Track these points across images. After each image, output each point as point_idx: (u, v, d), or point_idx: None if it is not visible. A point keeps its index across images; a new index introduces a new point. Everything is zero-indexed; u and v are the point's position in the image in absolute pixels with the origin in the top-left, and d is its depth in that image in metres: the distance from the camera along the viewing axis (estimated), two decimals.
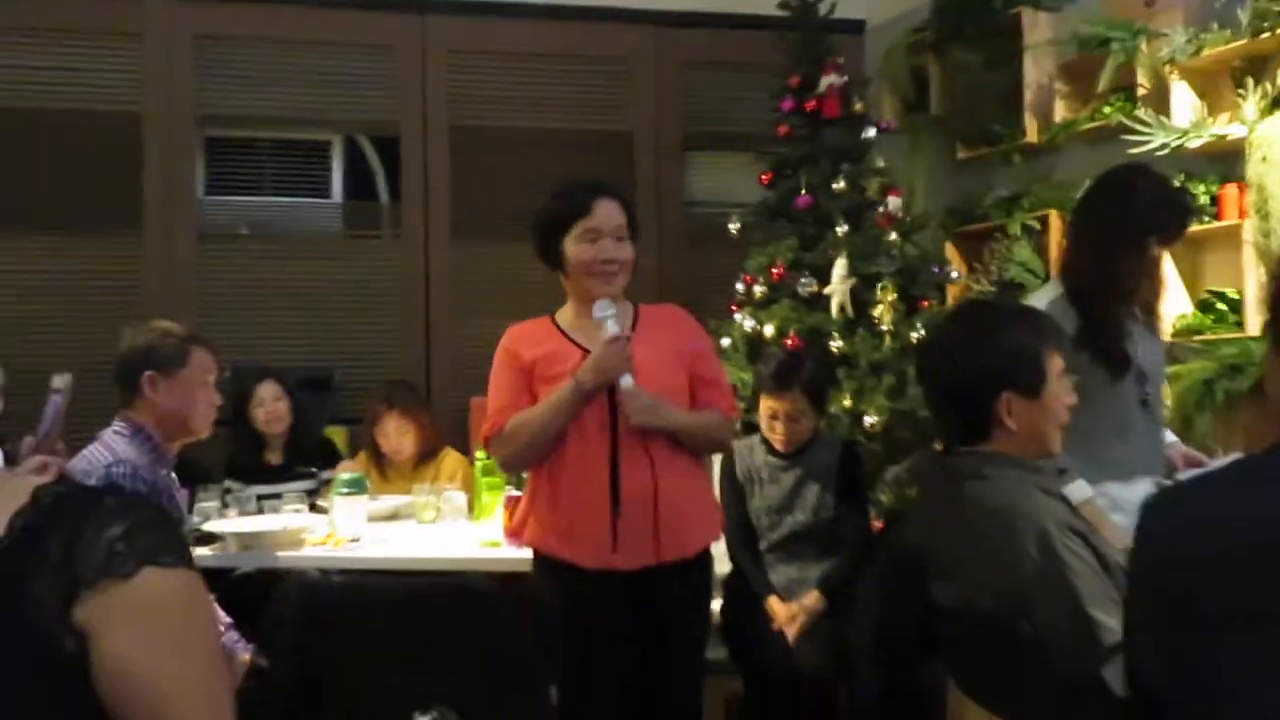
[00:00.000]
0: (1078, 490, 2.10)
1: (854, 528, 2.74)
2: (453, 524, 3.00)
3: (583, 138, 4.76)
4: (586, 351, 2.08)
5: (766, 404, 2.71)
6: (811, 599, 2.64)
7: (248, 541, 2.73)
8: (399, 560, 2.62)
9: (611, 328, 2.04)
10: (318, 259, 4.60)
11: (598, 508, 2.02)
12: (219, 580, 2.65)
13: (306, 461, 3.46)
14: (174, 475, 2.26)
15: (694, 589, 2.16)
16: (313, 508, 3.11)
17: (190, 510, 3.03)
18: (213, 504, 3.06)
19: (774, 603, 2.66)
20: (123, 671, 0.79)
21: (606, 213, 2.10)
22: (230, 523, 2.90)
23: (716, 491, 2.79)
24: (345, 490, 2.84)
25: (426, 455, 3.46)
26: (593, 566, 2.03)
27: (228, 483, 3.32)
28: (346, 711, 1.88)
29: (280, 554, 2.65)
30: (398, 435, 3.43)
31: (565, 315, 2.20)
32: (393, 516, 3.16)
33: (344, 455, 3.77)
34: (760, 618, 2.66)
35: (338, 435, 4.08)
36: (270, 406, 3.44)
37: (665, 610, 2.09)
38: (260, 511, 3.07)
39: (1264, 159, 3.27)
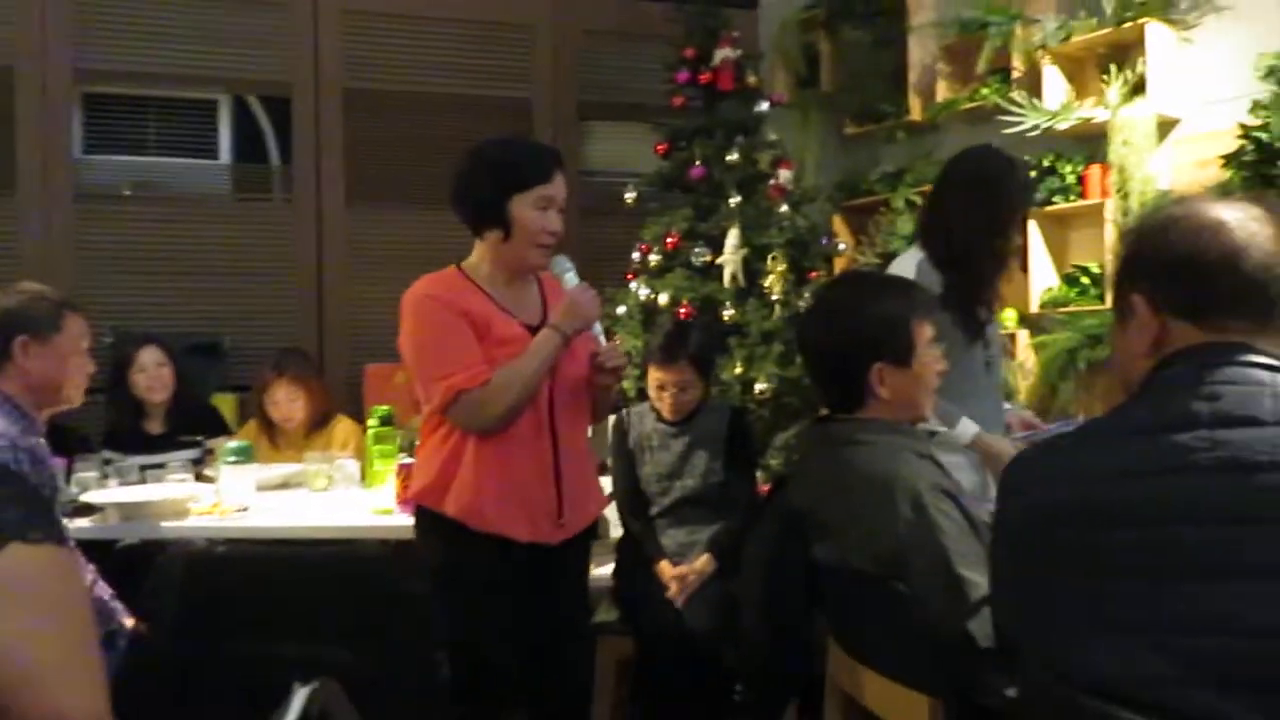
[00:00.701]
0: (965, 428, 2.29)
1: (742, 492, 2.82)
2: (345, 492, 2.98)
3: (481, 103, 4.73)
4: (521, 320, 2.04)
5: (654, 374, 2.77)
6: (702, 561, 2.72)
7: (129, 512, 2.66)
8: (288, 529, 2.58)
9: (573, 279, 2.05)
10: (205, 222, 4.46)
11: (544, 480, 2.01)
12: (102, 552, 2.58)
13: (191, 430, 3.37)
14: (45, 444, 2.19)
15: (585, 555, 2.20)
16: (199, 477, 3.05)
17: (67, 481, 2.94)
18: (92, 474, 2.96)
19: (664, 566, 2.73)
20: None
21: (561, 183, 2.04)
22: (110, 493, 2.82)
23: (608, 459, 2.87)
24: (232, 459, 2.80)
25: (318, 423, 3.42)
26: (527, 540, 2.00)
27: (106, 453, 3.22)
28: (228, 684, 1.87)
29: (164, 524, 2.59)
30: (288, 403, 3.37)
31: (486, 278, 2.06)
32: (283, 485, 3.12)
33: (232, 423, 3.69)
34: (652, 581, 2.73)
35: (227, 403, 3.99)
36: (152, 373, 3.34)
37: (562, 577, 2.11)
38: (143, 481, 2.99)
39: (1125, 142, 3.47)
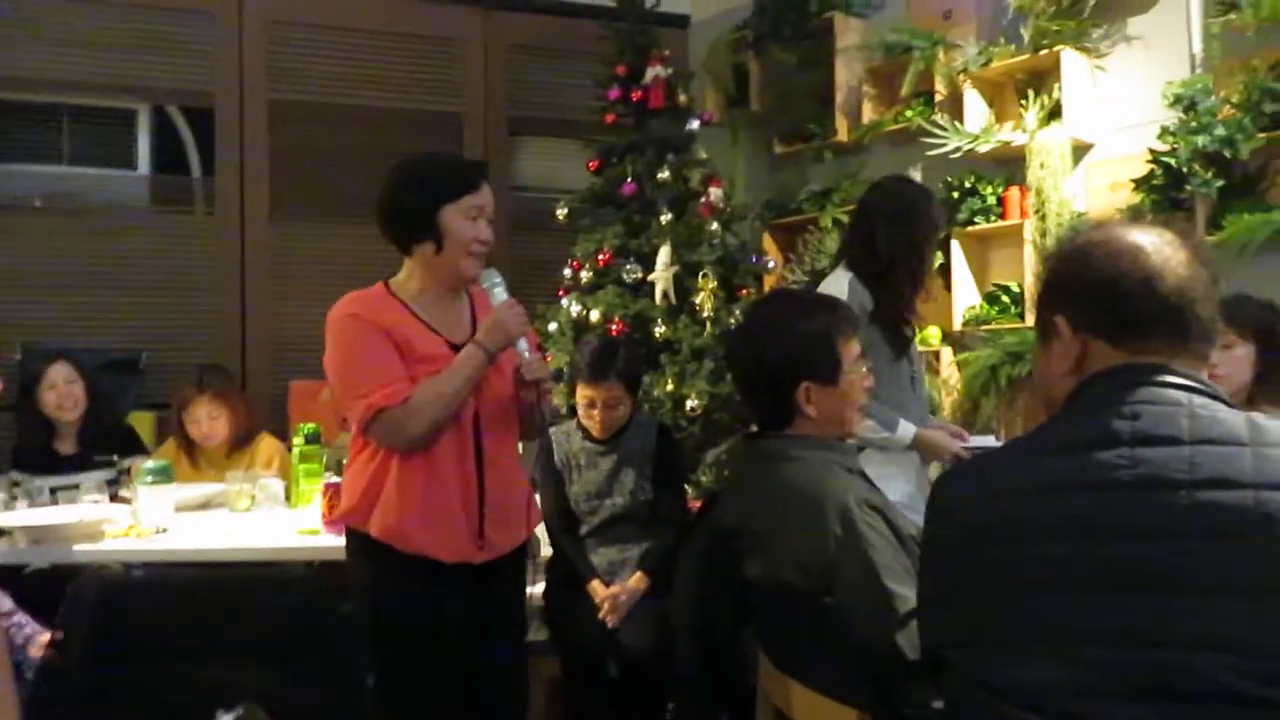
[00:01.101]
0: (905, 430, 2.45)
1: (672, 509, 2.83)
2: (268, 512, 2.91)
3: (410, 117, 4.68)
4: (446, 340, 2.01)
5: (583, 392, 2.76)
6: (634, 580, 2.72)
7: (39, 535, 2.56)
8: (210, 551, 2.52)
9: (501, 294, 2.01)
10: (122, 235, 4.32)
11: (467, 502, 1.99)
12: (10, 577, 2.48)
13: (105, 450, 3.25)
14: None
15: (519, 574, 2.18)
16: (114, 498, 2.95)
17: None
18: None
19: (596, 585, 2.72)
20: None
21: (489, 194, 2.03)
22: (18, 515, 2.71)
23: (535, 478, 2.85)
24: (150, 479, 2.71)
25: (241, 442, 3.33)
26: (452, 560, 1.98)
27: (14, 474, 3.09)
28: (147, 712, 1.81)
29: (77, 548, 2.50)
30: (209, 421, 3.27)
31: (413, 295, 2.04)
32: (203, 506, 3.04)
33: (149, 442, 3.58)
34: (583, 600, 2.72)
35: (145, 421, 3.87)
36: (62, 390, 3.22)
37: (496, 594, 2.08)
38: (54, 503, 2.88)
39: (1042, 165, 3.59)
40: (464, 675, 2.05)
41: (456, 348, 2.00)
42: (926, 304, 2.71)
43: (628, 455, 2.80)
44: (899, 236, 2.48)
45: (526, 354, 2.02)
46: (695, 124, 4.09)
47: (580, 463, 2.82)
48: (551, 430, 2.87)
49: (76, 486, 2.91)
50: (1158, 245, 1.11)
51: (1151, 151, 3.32)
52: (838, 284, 2.50)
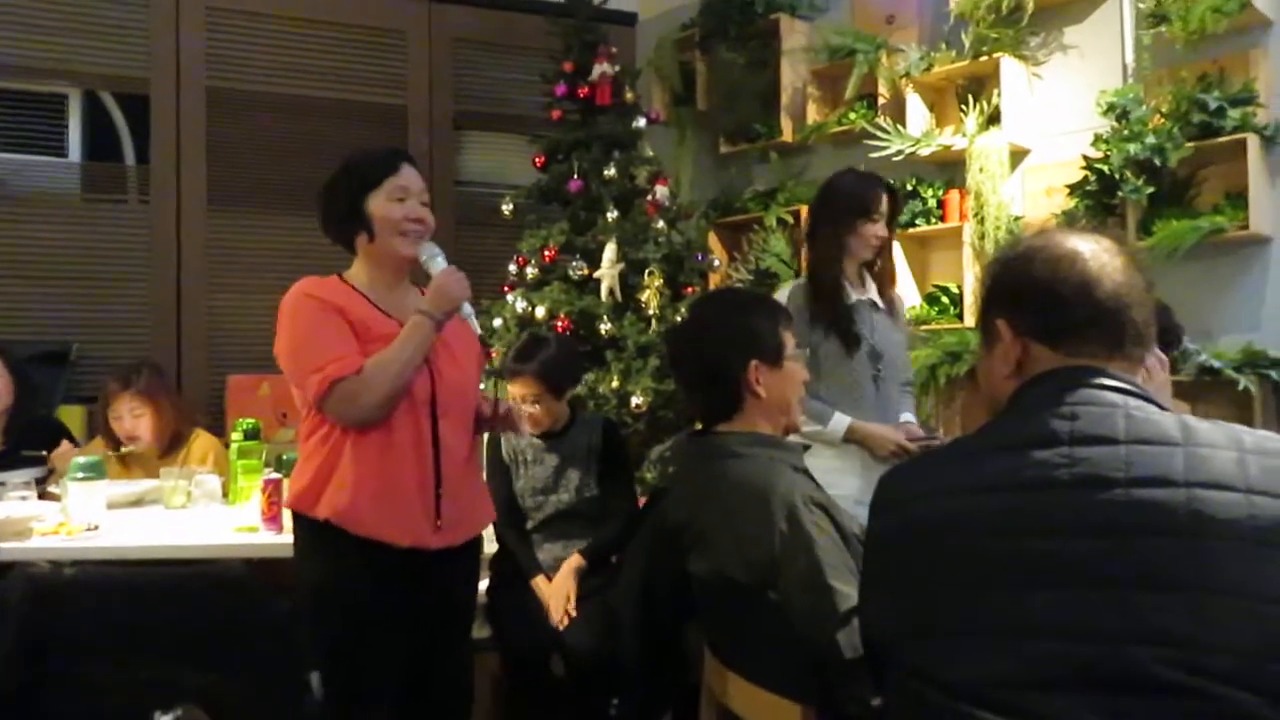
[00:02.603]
0: (838, 422, 2.47)
1: (619, 505, 2.83)
2: (205, 509, 2.85)
3: (353, 109, 4.62)
4: (399, 322, 1.99)
5: (508, 386, 2.76)
6: (574, 559, 2.72)
7: None
8: (144, 549, 2.45)
9: (441, 263, 2.02)
10: (52, 223, 4.20)
11: (424, 483, 1.96)
12: None
13: (34, 445, 3.15)
14: None
15: (473, 567, 2.16)
16: (43, 495, 2.86)
17: None
18: None
19: (540, 582, 2.72)
20: None
21: (413, 175, 2.05)
22: None
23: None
24: (81, 475, 2.63)
25: (171, 444, 3.22)
26: (406, 544, 1.94)
27: None
28: (84, 712, 1.76)
29: (3, 545, 2.42)
30: (131, 418, 3.14)
31: (365, 285, 2.05)
32: (137, 502, 2.96)
33: (80, 437, 3.47)
34: (527, 597, 2.71)
35: (74, 415, 3.76)
36: None
37: (447, 589, 2.06)
38: None
39: (981, 169, 3.67)
40: (410, 669, 2.03)
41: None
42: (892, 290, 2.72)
43: (573, 451, 2.80)
44: (819, 227, 2.57)
45: (473, 319, 2.03)
46: (642, 122, 4.09)
47: (527, 458, 2.81)
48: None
49: (3, 483, 2.81)
50: (1095, 252, 1.15)
51: (1085, 158, 3.41)
52: (786, 288, 2.59)
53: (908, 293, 3.98)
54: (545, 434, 2.81)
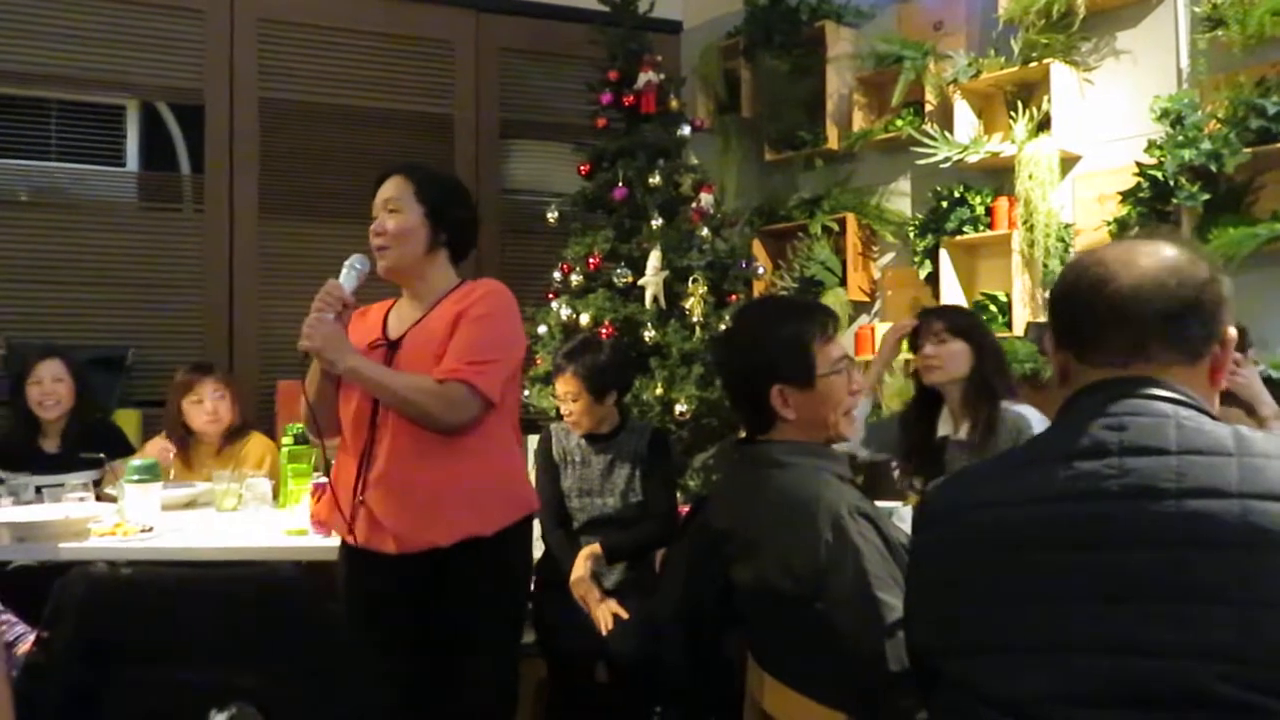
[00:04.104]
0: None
1: (657, 504, 2.83)
2: (255, 511, 2.90)
3: (401, 118, 4.68)
4: (383, 336, 2.11)
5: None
6: (593, 546, 2.72)
7: (23, 533, 2.54)
8: (197, 550, 2.51)
9: (345, 275, 2.05)
10: (109, 231, 4.30)
11: (349, 487, 2.04)
12: None
13: (90, 448, 3.23)
14: None
15: (477, 575, 2.05)
16: (100, 497, 2.93)
17: None
18: None
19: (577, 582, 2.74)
20: None
21: (383, 188, 2.09)
22: (4, 512, 2.70)
23: (531, 472, 2.85)
24: (137, 477, 2.70)
25: (235, 434, 3.31)
26: (351, 542, 2.06)
27: None
28: (139, 710, 1.80)
29: (63, 545, 2.49)
30: (214, 400, 3.24)
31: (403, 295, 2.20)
32: (190, 505, 3.03)
33: (134, 440, 3.55)
34: (569, 602, 2.72)
35: (130, 419, 3.85)
36: (47, 387, 3.20)
37: (442, 596, 2.04)
38: (40, 500, 2.86)
39: (1030, 176, 3.62)
40: (434, 673, 2.05)
41: (381, 344, 2.10)
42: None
43: (621, 456, 2.82)
44: None
45: (349, 277, 2.06)
46: (687, 130, 4.10)
47: (575, 459, 2.84)
48: (554, 424, 2.91)
49: (62, 484, 2.89)
50: (1125, 254, 1.12)
51: (1138, 164, 3.35)
52: None
53: (955, 301, 3.95)
54: (594, 436, 2.83)
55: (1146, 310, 1.09)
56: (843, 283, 4.39)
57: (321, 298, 1.98)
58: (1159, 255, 1.11)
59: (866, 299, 4.47)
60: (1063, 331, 1.15)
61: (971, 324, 2.59)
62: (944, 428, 2.61)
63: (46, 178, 4.28)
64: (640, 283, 3.84)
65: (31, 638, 2.00)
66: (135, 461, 2.79)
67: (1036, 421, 2.43)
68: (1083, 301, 1.12)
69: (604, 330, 3.72)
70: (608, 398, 2.81)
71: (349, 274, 2.03)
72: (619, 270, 3.87)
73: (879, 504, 1.78)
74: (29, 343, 3.58)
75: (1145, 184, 3.33)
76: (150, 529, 2.61)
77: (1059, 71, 3.65)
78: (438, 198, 2.10)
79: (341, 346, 1.97)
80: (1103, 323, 1.11)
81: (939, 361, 2.53)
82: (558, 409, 2.93)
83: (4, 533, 2.56)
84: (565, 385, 2.77)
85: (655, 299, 3.81)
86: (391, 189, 2.08)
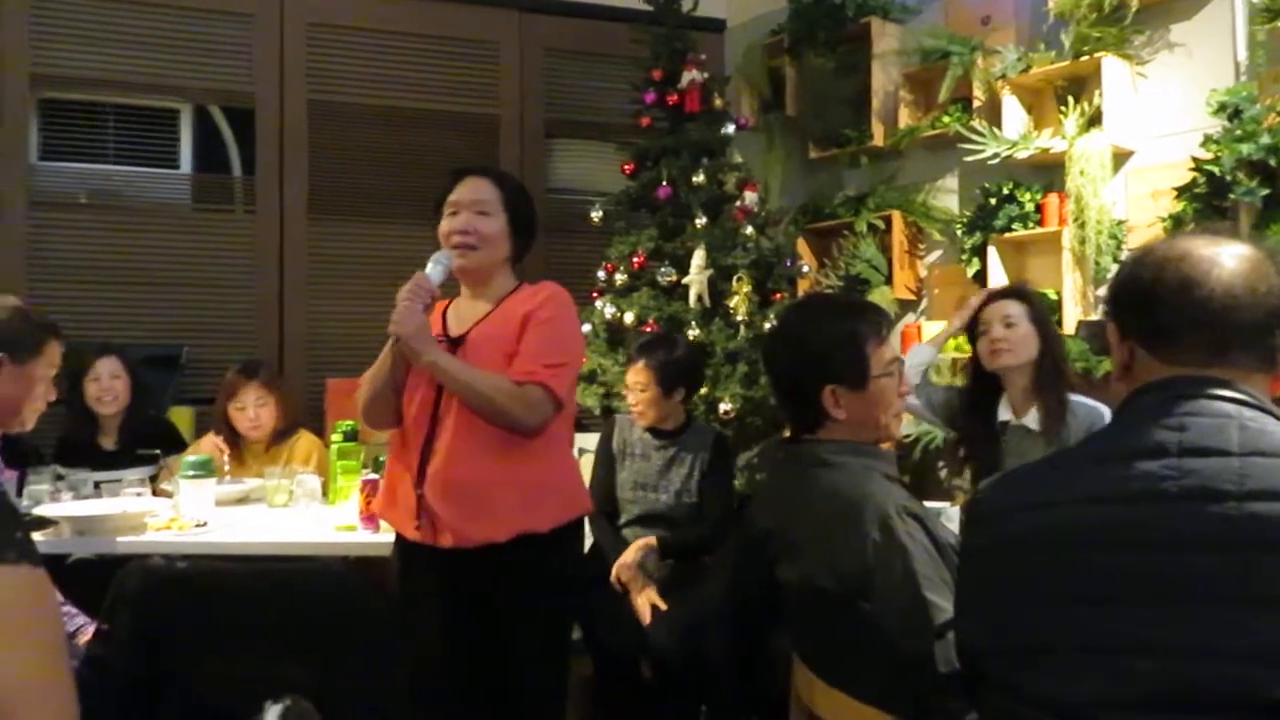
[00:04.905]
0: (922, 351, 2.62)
1: (713, 508, 2.83)
2: (306, 508, 2.95)
3: (447, 119, 4.72)
4: (446, 334, 2.12)
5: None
6: (650, 539, 2.73)
7: (83, 526, 2.61)
8: (250, 545, 2.55)
9: (432, 270, 2.04)
10: (164, 231, 4.39)
11: (409, 483, 2.06)
12: (54, 567, 2.53)
13: (146, 444, 3.31)
14: None
15: (530, 571, 2.05)
16: (155, 492, 2.99)
17: (19, 494, 2.88)
18: (44, 487, 2.91)
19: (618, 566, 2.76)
20: None
21: (469, 188, 2.11)
22: (64, 506, 2.77)
23: (588, 464, 2.88)
24: (192, 473, 2.75)
25: (282, 435, 3.36)
26: (411, 538, 2.07)
27: (57, 467, 3.15)
28: (193, 702, 1.84)
29: (120, 539, 2.55)
30: (256, 408, 3.29)
31: (463, 293, 2.22)
32: (242, 500, 3.08)
33: (187, 437, 3.63)
34: (615, 599, 2.73)
35: (183, 416, 3.93)
36: (105, 384, 3.27)
37: (496, 591, 2.05)
38: (98, 495, 2.93)
39: (1082, 172, 3.56)
40: (487, 669, 2.06)
41: (442, 340, 2.11)
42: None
43: (682, 454, 2.83)
44: None
45: (435, 272, 2.04)
46: (731, 128, 4.09)
47: (635, 451, 2.87)
48: (618, 415, 2.96)
49: (119, 480, 2.96)
50: (1210, 254, 1.10)
51: (1194, 159, 3.28)
52: None
53: None
54: (658, 432, 2.85)
55: (1235, 317, 1.08)
56: (888, 281, 4.35)
57: (411, 289, 1.99)
58: (1244, 259, 1.09)
59: (913, 297, 4.43)
60: (1136, 326, 1.13)
61: (1040, 307, 2.54)
62: (1000, 414, 2.58)
63: (104, 180, 4.38)
64: (684, 281, 3.84)
65: (91, 629, 2.05)
66: (190, 458, 2.85)
67: (1110, 418, 2.39)
68: (1168, 301, 1.10)
69: (647, 329, 3.72)
70: (676, 394, 2.84)
71: (435, 268, 2.05)
72: (663, 269, 3.87)
73: (926, 504, 1.76)
74: (86, 341, 3.66)
75: (1201, 179, 3.26)
76: (204, 524, 2.66)
77: (1111, 65, 3.59)
78: (521, 205, 2.16)
79: (429, 338, 2.01)
80: (1190, 324, 1.09)
81: (1007, 345, 2.48)
82: (605, 406, 2.96)
83: (64, 526, 2.63)
84: (636, 375, 2.81)
85: (699, 298, 3.80)
86: (481, 191, 2.11)
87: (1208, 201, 3.25)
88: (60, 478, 3.06)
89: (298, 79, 4.54)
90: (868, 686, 1.54)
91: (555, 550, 2.09)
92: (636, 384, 2.82)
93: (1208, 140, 3.26)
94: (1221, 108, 3.24)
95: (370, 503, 2.57)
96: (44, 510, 2.69)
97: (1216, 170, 3.19)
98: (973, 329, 2.59)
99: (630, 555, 2.72)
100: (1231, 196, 3.17)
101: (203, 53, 4.42)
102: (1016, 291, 2.63)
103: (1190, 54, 3.53)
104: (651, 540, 2.75)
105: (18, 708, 0.79)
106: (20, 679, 0.79)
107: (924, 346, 2.97)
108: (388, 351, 2.06)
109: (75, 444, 3.31)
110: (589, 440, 3.72)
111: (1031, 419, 2.48)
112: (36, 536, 2.52)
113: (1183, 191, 3.32)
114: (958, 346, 3.96)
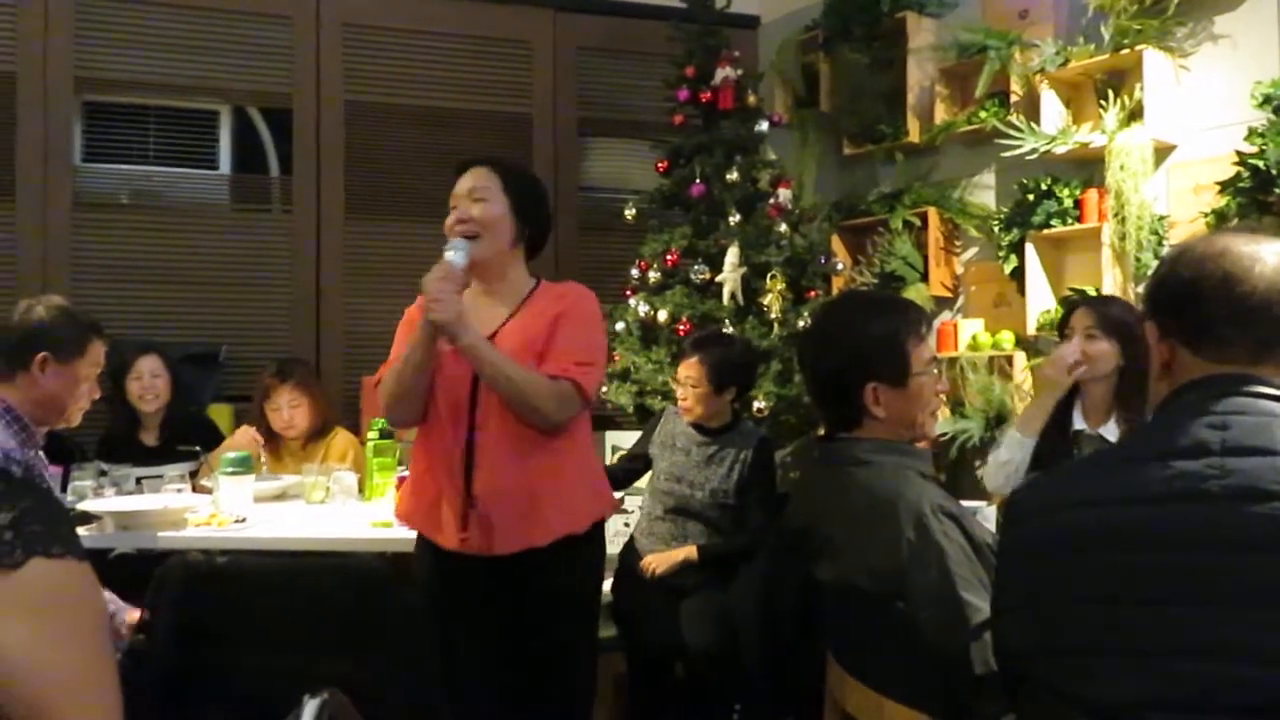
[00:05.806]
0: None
1: (754, 516, 2.81)
2: (343, 504, 2.98)
3: (481, 118, 4.74)
4: None
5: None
6: (690, 549, 2.75)
7: (125, 521, 2.66)
8: (287, 541, 2.58)
9: (452, 257, 1.98)
10: (203, 231, 4.45)
11: (453, 489, 2.01)
12: (96, 561, 2.57)
13: (185, 441, 3.36)
14: (43, 454, 2.18)
15: (563, 572, 2.06)
16: (195, 488, 3.04)
17: (64, 489, 2.93)
18: (88, 483, 2.97)
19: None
20: (7, 665, 0.77)
21: (466, 179, 2.10)
22: (107, 502, 2.82)
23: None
24: (231, 469, 2.79)
25: (318, 433, 3.41)
26: (449, 547, 2.03)
27: (100, 463, 3.21)
28: (232, 695, 1.86)
29: (161, 534, 2.59)
30: (290, 409, 3.34)
31: (470, 291, 2.10)
32: (280, 497, 3.12)
33: (227, 435, 3.67)
34: (651, 597, 2.73)
35: (224, 413, 3.98)
36: (146, 382, 3.33)
37: (532, 594, 2.05)
38: (140, 491, 2.98)
39: (1122, 167, 3.50)
40: (520, 669, 2.07)
41: None
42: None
43: (722, 453, 2.82)
44: None
45: (458, 258, 1.98)
46: (764, 125, 4.07)
47: (678, 444, 2.88)
48: (670, 407, 2.98)
49: (160, 475, 3.01)
50: (1252, 251, 1.08)
51: (1239, 153, 3.22)
52: None
53: (1041, 296, 3.84)
54: (703, 428, 2.85)
55: (1278, 313, 1.06)
56: (924, 278, 4.30)
57: (442, 276, 1.94)
58: None
59: (949, 295, 4.38)
60: (1176, 324, 1.12)
61: (1123, 321, 2.47)
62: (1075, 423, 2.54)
63: (145, 181, 4.46)
64: (718, 279, 3.83)
65: (131, 616, 2.08)
66: (230, 454, 2.88)
67: None
68: (1212, 298, 1.08)
69: (681, 327, 3.72)
70: (726, 392, 2.84)
71: (456, 254, 1.99)
72: (697, 267, 3.86)
73: (963, 503, 1.74)
74: (127, 339, 3.73)
75: (1245, 174, 3.19)
76: (243, 520, 2.70)
77: (1153, 58, 3.53)
78: (523, 191, 2.12)
79: (468, 322, 1.95)
80: (1231, 322, 1.07)
81: (1085, 359, 2.45)
82: (639, 404, 2.97)
83: (107, 521, 2.67)
84: (687, 370, 2.81)
85: (733, 295, 3.79)
86: (477, 179, 2.09)
87: (1252, 196, 3.19)
88: (103, 473, 3.11)
89: (334, 79, 4.58)
90: (902, 686, 1.53)
91: (587, 549, 2.11)
92: (688, 379, 2.81)
93: (1252, 133, 3.19)
94: (1267, 100, 3.18)
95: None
96: (87, 505, 2.73)
97: (1261, 164, 3.13)
98: (1060, 331, 2.57)
99: (664, 567, 2.73)
100: (1276, 191, 3.11)
101: (241, 55, 4.48)
102: (1102, 300, 2.60)
103: (1234, 45, 3.47)
104: (692, 552, 2.75)
105: (63, 701, 0.80)
106: (66, 672, 0.81)
107: (1015, 438, 2.56)
108: (419, 343, 2.00)
109: (118, 440, 3.37)
110: (622, 438, 3.73)
111: (1109, 429, 2.46)
112: (80, 531, 2.58)
113: (1226, 186, 3.26)
114: (995, 344, 3.92)
